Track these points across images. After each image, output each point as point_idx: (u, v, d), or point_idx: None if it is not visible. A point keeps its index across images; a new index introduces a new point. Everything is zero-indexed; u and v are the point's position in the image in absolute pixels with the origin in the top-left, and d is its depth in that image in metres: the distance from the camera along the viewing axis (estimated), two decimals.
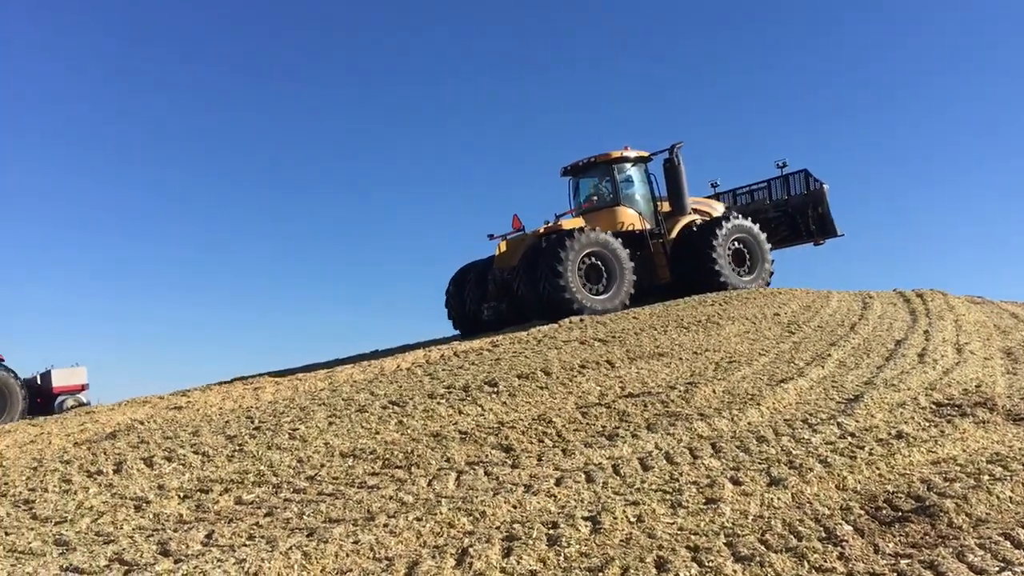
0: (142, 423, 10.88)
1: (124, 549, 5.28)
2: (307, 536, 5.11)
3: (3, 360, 21.10)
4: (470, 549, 4.65)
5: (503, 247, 17.34)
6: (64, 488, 7.18)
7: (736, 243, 18.04)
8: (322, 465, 6.98)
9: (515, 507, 5.45)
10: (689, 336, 12.42)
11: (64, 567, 5.09)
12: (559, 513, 5.28)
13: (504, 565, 4.48)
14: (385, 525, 5.17)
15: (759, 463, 6.13)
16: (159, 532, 5.63)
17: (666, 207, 18.28)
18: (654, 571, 4.29)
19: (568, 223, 17.16)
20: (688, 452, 6.51)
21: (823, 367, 9.92)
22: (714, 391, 8.68)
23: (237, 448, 7.84)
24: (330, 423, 8.49)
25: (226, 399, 12.47)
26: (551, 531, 4.89)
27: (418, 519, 5.23)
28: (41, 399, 23.64)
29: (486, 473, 6.34)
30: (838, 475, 5.77)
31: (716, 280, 17.33)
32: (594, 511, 5.20)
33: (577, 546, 4.69)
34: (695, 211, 18.85)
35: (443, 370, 11.67)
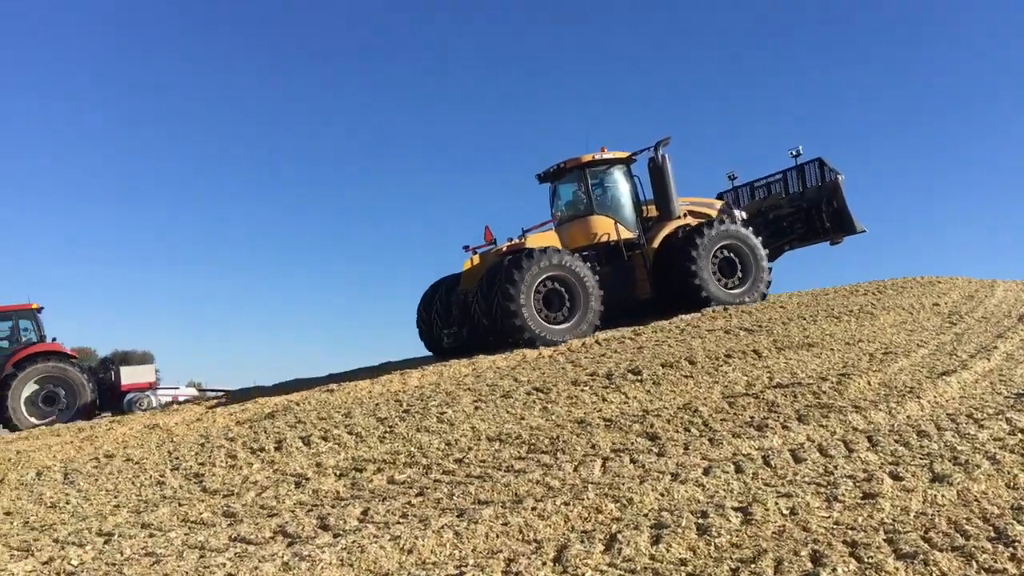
0: (297, 404, 11.39)
1: (287, 522, 5.56)
2: (457, 516, 5.23)
3: (75, 358, 21.97)
4: (619, 535, 4.65)
5: (469, 264, 15.49)
6: (230, 463, 7.63)
7: (724, 251, 15.62)
8: (470, 448, 7.13)
9: (663, 495, 5.41)
10: (840, 326, 11.96)
11: (232, 537, 5.41)
12: (708, 503, 5.20)
13: (653, 552, 4.45)
14: (533, 508, 5.23)
15: (920, 458, 5.85)
16: (318, 507, 5.90)
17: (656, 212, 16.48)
18: (809, 565, 4.17)
19: (534, 239, 15.35)
20: (843, 445, 6.28)
21: (989, 360, 9.36)
22: (869, 383, 8.33)
23: (388, 430, 8.12)
24: (476, 408, 8.66)
25: (374, 383, 12.90)
26: (700, 520, 4.82)
27: (565, 504, 5.27)
28: (110, 396, 24.88)
29: (632, 461, 6.31)
30: (1008, 473, 5.43)
31: (697, 295, 15.14)
32: (745, 502, 5.10)
33: (728, 536, 4.61)
34: (692, 214, 16.82)
35: (585, 357, 11.69)
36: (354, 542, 4.87)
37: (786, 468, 5.83)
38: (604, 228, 15.87)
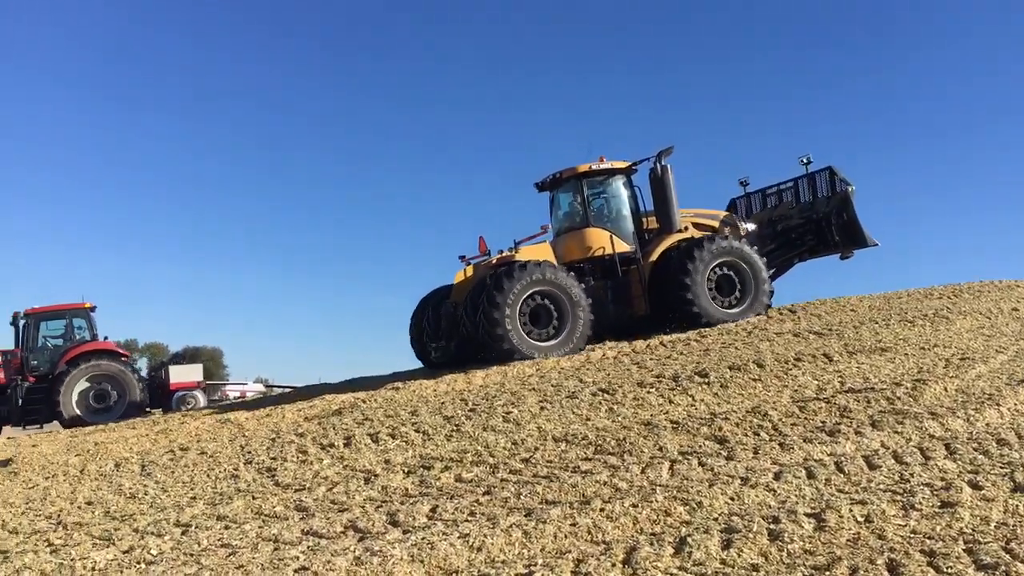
0: (364, 402, 11.55)
1: (357, 517, 5.65)
2: (525, 516, 5.25)
3: (126, 356, 22.36)
4: (688, 538, 4.61)
5: (462, 275, 14.99)
6: (301, 459, 7.77)
7: (722, 268, 14.85)
8: (536, 448, 7.15)
9: (732, 499, 5.36)
10: (915, 330, 11.68)
11: (305, 531, 5.52)
12: (779, 508, 5.13)
13: (724, 557, 4.41)
14: (601, 510, 5.23)
15: (1000, 467, 5.68)
16: (387, 504, 5.98)
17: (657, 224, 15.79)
18: (886, 574, 4.08)
19: (526, 252, 14.78)
20: (919, 452, 6.14)
21: None
22: (946, 389, 8.12)
23: (455, 428, 8.18)
24: (542, 408, 8.68)
25: (439, 382, 13.01)
26: (772, 526, 4.76)
27: (634, 505, 5.25)
28: (160, 394, 25.31)
29: (700, 464, 6.26)
30: None
31: (690, 313, 14.50)
32: (817, 508, 5.02)
33: (800, 542, 4.54)
34: (697, 226, 16.01)
35: (651, 359, 11.62)
36: (424, 539, 4.92)
37: (860, 475, 5.72)
38: (599, 241, 15.31)
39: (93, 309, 22.59)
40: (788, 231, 16.75)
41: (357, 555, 4.75)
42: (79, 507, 7.13)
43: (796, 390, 8.66)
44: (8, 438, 18.40)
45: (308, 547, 5.10)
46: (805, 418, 7.44)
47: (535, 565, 4.40)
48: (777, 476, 5.74)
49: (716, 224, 16.24)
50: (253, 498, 6.57)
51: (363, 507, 5.94)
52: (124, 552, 5.50)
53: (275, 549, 5.16)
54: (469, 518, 5.40)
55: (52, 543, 5.97)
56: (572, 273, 15.29)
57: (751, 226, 16.67)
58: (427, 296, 16.09)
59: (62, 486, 8.40)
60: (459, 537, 4.87)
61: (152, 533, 5.88)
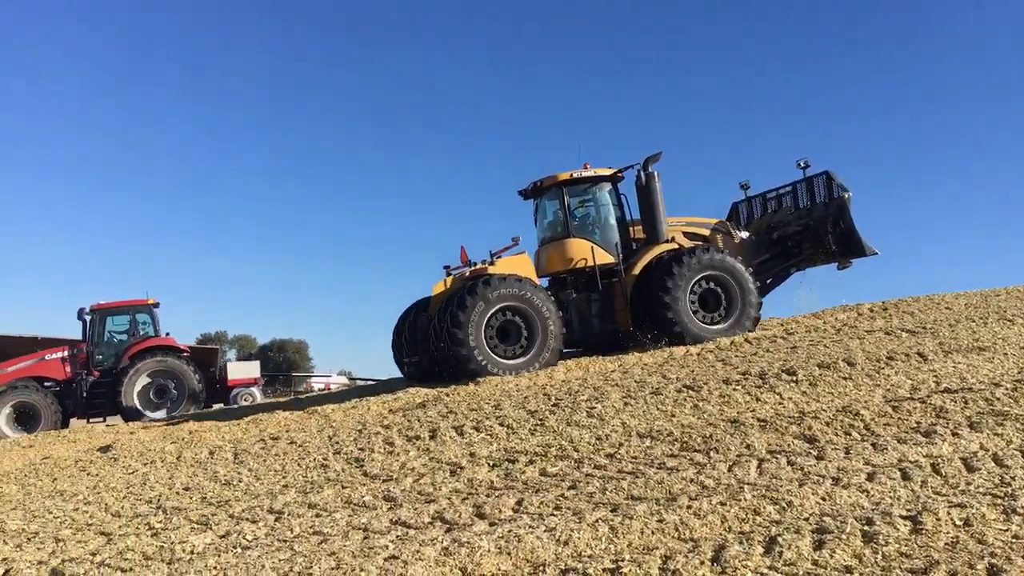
0: (447, 395, 11.67)
1: (444, 509, 5.73)
2: (611, 511, 5.25)
3: (186, 353, 22.75)
4: (778, 538, 4.54)
5: (441, 287, 14.41)
6: (388, 450, 7.91)
7: (707, 282, 14.19)
8: (620, 444, 7.12)
9: (824, 499, 5.25)
10: (1014, 329, 11.23)
11: (393, 520, 5.62)
12: (873, 509, 5.00)
13: (816, 558, 4.32)
14: (688, 507, 5.18)
15: None
16: (473, 496, 6.04)
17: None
18: None
19: (502, 264, 14.27)
20: (1020, 455, 5.90)
21: None
22: None
23: (539, 423, 8.21)
24: (625, 404, 8.64)
25: (520, 377, 13.07)
26: (866, 527, 4.64)
27: (722, 503, 5.19)
28: (219, 390, 25.69)
29: (789, 463, 6.15)
30: None
31: (669, 329, 13.78)
32: (913, 510, 4.87)
33: (896, 545, 4.42)
34: (688, 235, 15.48)
35: (736, 356, 11.45)
36: (510, 531, 4.96)
37: (958, 477, 5.53)
38: (580, 253, 14.82)
39: (156, 305, 23.24)
40: (784, 239, 15.87)
41: (445, 546, 4.81)
42: (177, 492, 7.40)
43: (889, 389, 8.43)
44: (108, 425, 19.18)
45: (397, 536, 5.20)
46: (899, 418, 7.24)
47: (622, 560, 4.39)
48: (870, 477, 5.60)
49: (710, 233, 15.68)
50: (342, 487, 6.72)
51: (449, 499, 6.01)
52: (221, 536, 5.69)
53: (365, 538, 5.27)
54: (555, 512, 5.42)
55: (152, 526, 6.21)
56: (550, 287, 15.14)
57: (746, 234, 15.99)
58: (409, 307, 15.89)
59: (160, 472, 8.72)
60: (545, 531, 4.90)
61: (247, 519, 6.06)
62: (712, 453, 6.63)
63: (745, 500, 5.22)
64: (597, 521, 5.01)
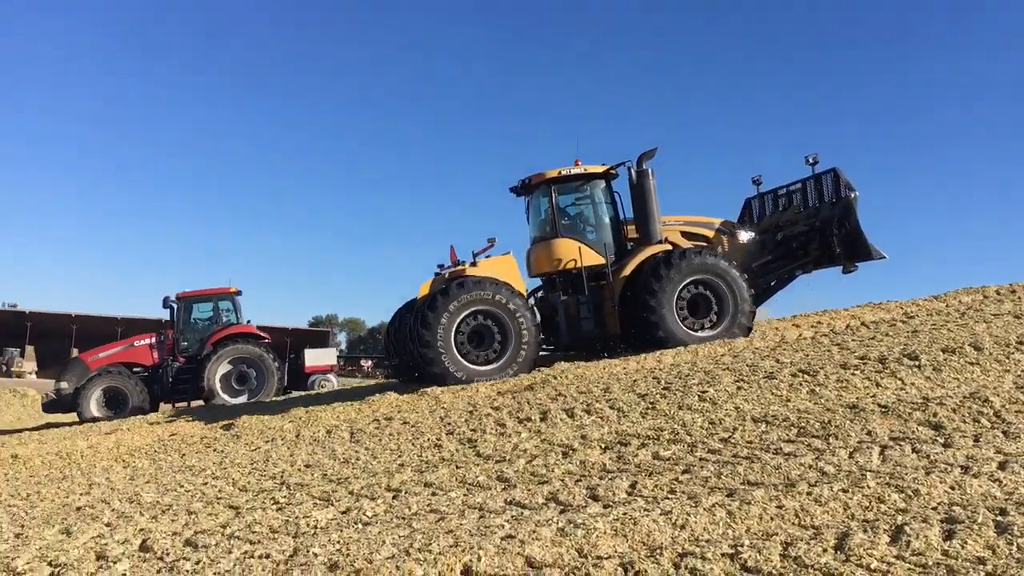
0: (555, 377, 11.71)
1: (558, 490, 5.77)
2: (727, 496, 5.18)
3: (267, 339, 23.10)
4: (905, 527, 4.39)
5: (427, 288, 14.01)
6: (500, 431, 8.00)
7: (697, 286, 13.65)
8: (735, 428, 7.02)
9: (952, 488, 5.05)
10: None
11: (508, 501, 5.69)
12: (1007, 500, 4.79)
13: (946, 548, 4.17)
14: (808, 493, 5.07)
15: None
16: (586, 478, 6.06)
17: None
18: None
19: (483, 266, 13.97)
20: None
21: None
22: None
23: (649, 406, 8.17)
24: (738, 388, 8.50)
25: (627, 360, 13.00)
26: (999, 518, 4.45)
27: (843, 490, 5.06)
28: (298, 376, 25.94)
29: (914, 450, 5.94)
30: None
31: (654, 334, 13.37)
32: None
33: None
34: (687, 235, 14.89)
35: (853, 340, 11.11)
36: (625, 514, 4.96)
37: None
38: (568, 253, 14.35)
39: (239, 293, 23.92)
40: (789, 239, 15.01)
41: (560, 526, 4.85)
42: (299, 469, 7.67)
43: (1020, 375, 8.03)
44: (231, 405, 20.01)
45: (512, 516, 5.26)
46: None
47: (741, 546, 4.33)
48: (1002, 466, 5.36)
49: (709, 233, 15.08)
50: (456, 467, 6.84)
51: (563, 480, 6.04)
52: (342, 512, 5.88)
53: (480, 517, 5.36)
54: (669, 495, 5.38)
55: (277, 501, 6.46)
56: (543, 288, 14.83)
57: (749, 235, 15.22)
58: (401, 307, 15.78)
59: (281, 450, 9.06)
60: (661, 514, 4.88)
61: (366, 496, 6.24)
62: (831, 439, 6.46)
63: (868, 487, 5.08)
64: (714, 506, 4.96)
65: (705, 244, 14.85)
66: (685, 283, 13.53)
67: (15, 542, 6.22)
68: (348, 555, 4.77)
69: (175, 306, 22.91)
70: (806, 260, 14.78)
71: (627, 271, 14.05)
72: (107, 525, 6.36)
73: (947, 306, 13.46)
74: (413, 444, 8.07)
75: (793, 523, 4.73)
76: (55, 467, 10.87)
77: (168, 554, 5.36)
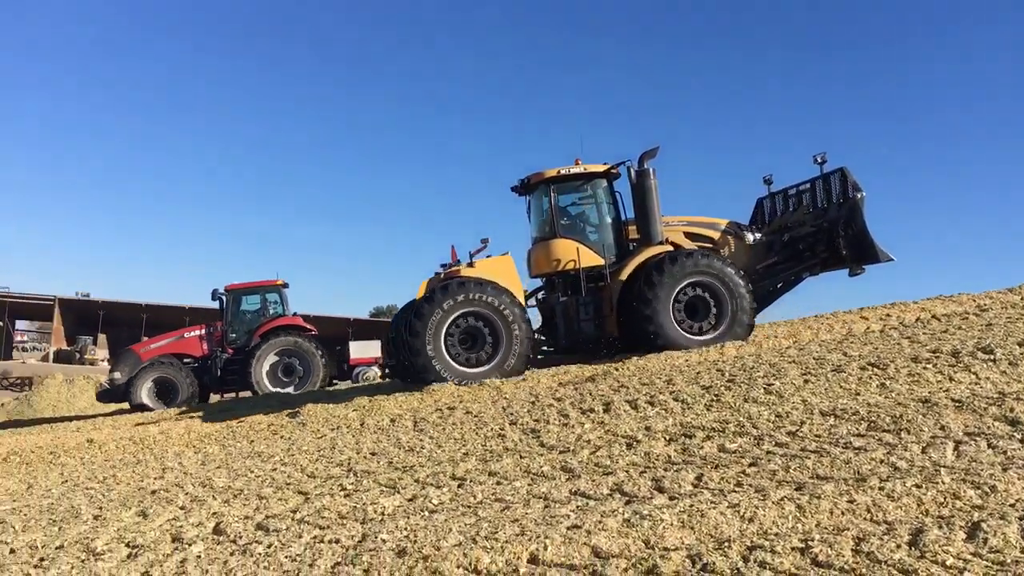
0: (616, 369, 11.69)
1: (622, 481, 5.75)
2: (796, 490, 5.11)
3: (313, 332, 23.23)
4: (982, 524, 4.29)
5: (424, 288, 14.00)
6: (563, 422, 8.01)
7: (695, 288, 13.43)
8: (802, 422, 6.91)
9: None
10: None
11: (572, 491, 5.69)
12: None
13: None
14: (880, 488, 4.98)
15: None
16: (651, 470, 6.03)
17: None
18: None
19: (480, 267, 13.94)
20: None
21: None
22: None
23: (714, 398, 8.09)
24: (805, 381, 8.37)
25: (690, 352, 12.90)
26: None
27: (917, 486, 4.95)
28: (344, 369, 25.91)
29: (990, 446, 5.78)
30: None
31: (650, 338, 13.23)
32: None
33: None
34: (691, 236, 14.66)
35: (924, 334, 10.86)
36: (692, 506, 4.93)
37: None
38: (566, 254, 14.21)
39: (285, 286, 24.18)
40: (796, 241, 14.66)
41: (626, 517, 4.84)
42: (365, 457, 7.78)
43: None
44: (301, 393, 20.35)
45: (577, 507, 5.27)
46: None
47: (812, 540, 4.27)
48: None
49: (715, 234, 14.80)
50: (520, 457, 6.87)
51: (627, 471, 6.03)
52: (408, 500, 5.95)
53: (546, 506, 5.38)
54: (736, 488, 5.33)
55: (345, 488, 6.57)
56: (544, 288, 14.67)
57: (755, 236, 14.88)
58: (403, 307, 15.77)
59: (346, 438, 9.20)
60: (729, 507, 4.83)
61: (432, 484, 6.31)
62: (903, 434, 6.33)
63: (943, 483, 4.96)
64: (782, 499, 4.90)
65: (710, 245, 14.69)
66: (681, 286, 13.40)
67: (94, 523, 6.44)
68: (416, 542, 4.83)
69: (224, 298, 23.27)
70: (813, 262, 14.47)
71: (625, 273, 13.95)
72: (181, 508, 6.54)
73: (1022, 299, 13.06)
74: (476, 433, 8.12)
75: (865, 518, 4.65)
76: (129, 452, 11.20)
77: (241, 537, 5.50)
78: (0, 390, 49.62)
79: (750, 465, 5.86)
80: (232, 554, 5.16)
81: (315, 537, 5.26)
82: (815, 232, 14.31)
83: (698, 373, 9.90)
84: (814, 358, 9.80)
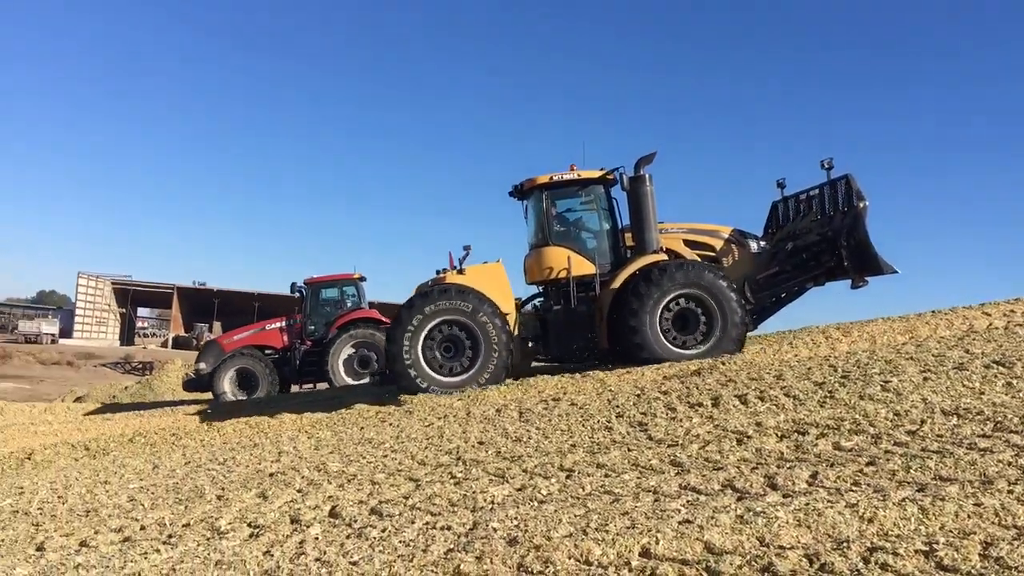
0: (723, 363, 11.51)
1: (733, 477, 5.67)
2: (918, 491, 4.94)
3: (388, 324, 23.38)
4: None
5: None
6: (670, 415, 7.94)
7: (684, 301, 13.11)
8: (922, 421, 6.67)
9: None
10: None
11: (682, 486, 5.64)
12: None
13: None
14: (1009, 491, 4.77)
15: None
16: (763, 466, 5.93)
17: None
18: None
19: (472, 272, 13.88)
20: None
21: None
22: None
23: (827, 395, 7.89)
24: (924, 379, 8.07)
25: (797, 348, 12.60)
26: None
27: None
28: None
29: None
30: None
31: (636, 351, 13.00)
32: None
33: None
34: (692, 244, 14.25)
35: None
36: (807, 504, 4.83)
37: None
38: (558, 262, 13.97)
39: (362, 279, 24.52)
40: (800, 250, 14.09)
41: (739, 514, 4.77)
42: (473, 446, 7.89)
43: None
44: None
45: (688, 501, 5.22)
46: None
47: (936, 543, 4.13)
48: None
49: (716, 242, 14.41)
50: (628, 450, 6.84)
51: (738, 467, 5.94)
52: (517, 489, 6.01)
53: (655, 500, 5.35)
54: (854, 487, 5.19)
55: (455, 476, 6.68)
56: (542, 296, 14.46)
57: (760, 245, 14.41)
58: None
59: (453, 426, 9.34)
60: (846, 506, 4.71)
61: (540, 475, 6.36)
62: None
63: None
64: (903, 500, 4.75)
65: (711, 254, 14.40)
66: (669, 298, 13.18)
67: (217, 503, 6.73)
68: (526, 531, 4.88)
69: (303, 291, 23.81)
70: (817, 272, 14.00)
71: (617, 282, 13.69)
72: (298, 491, 6.78)
73: None
74: (583, 425, 8.13)
75: (992, 522, 4.46)
76: (245, 435, 11.65)
77: (356, 521, 5.66)
78: (124, 373, 52.29)
79: (868, 464, 5.70)
80: (348, 537, 5.32)
81: (427, 523, 5.37)
82: (819, 241, 13.89)
83: (809, 369, 9.66)
84: (933, 355, 9.45)
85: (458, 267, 14.27)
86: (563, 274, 14.01)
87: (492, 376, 13.26)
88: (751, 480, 5.57)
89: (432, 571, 4.45)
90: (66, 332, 74.33)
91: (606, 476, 6.10)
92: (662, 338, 13.16)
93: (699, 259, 14.16)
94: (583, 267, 14.05)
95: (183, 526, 6.13)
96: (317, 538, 5.39)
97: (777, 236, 14.98)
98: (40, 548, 5.91)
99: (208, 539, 5.69)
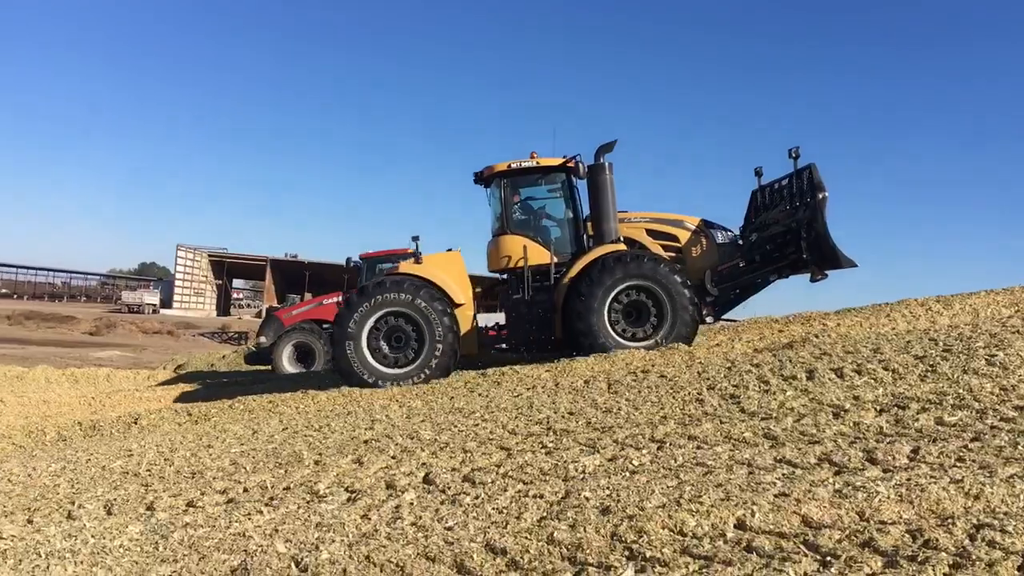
0: (817, 336, 11.27)
1: (830, 451, 5.56)
2: None
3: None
4: None
5: None
6: (763, 388, 7.82)
7: (634, 292, 12.96)
8: None
9: None
10: None
11: (777, 459, 5.56)
12: None
13: None
14: None
15: None
16: (861, 440, 5.80)
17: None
18: None
19: (429, 261, 13.91)
20: None
21: None
22: None
23: (929, 368, 7.65)
24: None
25: (895, 321, 12.22)
26: None
27: None
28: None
29: None
30: None
31: (583, 341, 12.92)
32: None
33: None
34: (655, 234, 14.14)
35: None
36: (909, 480, 4.71)
37: None
38: (515, 251, 13.84)
39: (417, 255, 24.43)
40: (764, 241, 13.81)
41: (838, 488, 4.69)
42: (562, 416, 7.92)
43: None
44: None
45: (783, 475, 5.15)
46: None
47: None
48: None
49: (680, 232, 14.28)
50: (721, 422, 6.77)
51: (835, 441, 5.82)
52: (608, 460, 6.02)
53: (750, 473, 5.29)
54: (958, 463, 5.03)
55: (545, 445, 6.72)
56: (506, 284, 14.21)
57: (724, 235, 14.10)
58: None
59: (542, 397, 9.39)
60: (951, 482, 4.58)
61: (631, 446, 6.35)
62: None
63: None
64: (1011, 477, 4.59)
65: (676, 243, 14.34)
66: (619, 289, 13.08)
67: (315, 468, 6.93)
68: (619, 501, 4.89)
69: (360, 265, 23.95)
70: (781, 264, 13.62)
71: (573, 272, 13.57)
72: (393, 458, 6.93)
73: None
74: (673, 397, 8.07)
75: None
76: (338, 403, 11.95)
77: (449, 488, 5.76)
78: (221, 343, 54.10)
79: (972, 440, 5.52)
80: (442, 503, 5.42)
81: (519, 491, 5.43)
82: (784, 232, 13.56)
83: (908, 342, 9.37)
84: None
85: (416, 257, 14.52)
86: (520, 263, 14.03)
87: (435, 370, 13.36)
88: (849, 454, 5.45)
89: (526, 538, 4.51)
90: (166, 302, 77.41)
91: (698, 448, 6.06)
92: (608, 328, 13.18)
93: (662, 249, 14.20)
94: (540, 256, 14.06)
95: (284, 489, 6.34)
96: (412, 504, 5.51)
97: (753, 226, 14.74)
98: (150, 508, 6.20)
99: (308, 502, 5.88)
